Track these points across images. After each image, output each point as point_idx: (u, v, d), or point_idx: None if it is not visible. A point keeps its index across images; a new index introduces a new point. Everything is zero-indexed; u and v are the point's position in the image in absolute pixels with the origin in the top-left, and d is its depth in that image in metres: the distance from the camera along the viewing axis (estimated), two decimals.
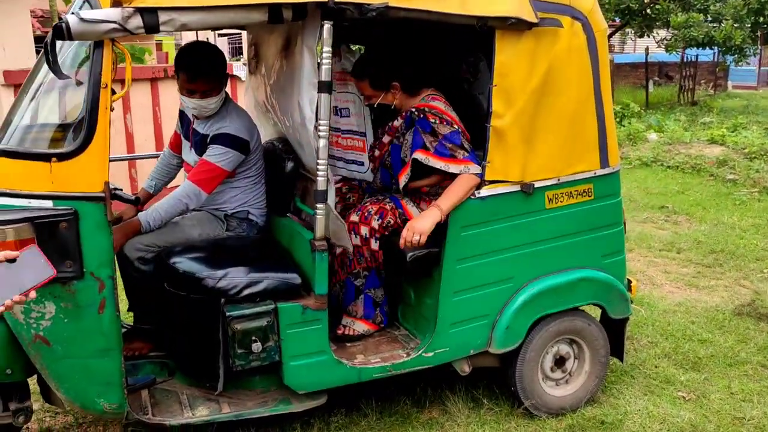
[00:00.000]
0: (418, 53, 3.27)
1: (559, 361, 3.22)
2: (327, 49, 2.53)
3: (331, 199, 2.75)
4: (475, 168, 2.83)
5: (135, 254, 2.89)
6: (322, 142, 2.60)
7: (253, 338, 2.61)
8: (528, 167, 2.90)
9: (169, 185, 3.52)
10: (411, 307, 3.18)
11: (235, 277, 2.66)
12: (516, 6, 2.68)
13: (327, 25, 2.50)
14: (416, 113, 2.94)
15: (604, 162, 3.09)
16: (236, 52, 20.06)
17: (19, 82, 6.04)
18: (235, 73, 7.61)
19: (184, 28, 2.39)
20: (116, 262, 2.95)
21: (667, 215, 7.13)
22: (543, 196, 2.98)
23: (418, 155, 2.92)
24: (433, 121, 2.89)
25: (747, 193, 7.91)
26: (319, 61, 2.57)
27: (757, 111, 15.96)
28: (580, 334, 3.19)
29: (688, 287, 5.01)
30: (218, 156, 2.97)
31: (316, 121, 2.60)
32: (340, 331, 3.05)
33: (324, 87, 2.56)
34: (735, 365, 3.73)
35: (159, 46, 15.02)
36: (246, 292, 2.65)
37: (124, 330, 3.17)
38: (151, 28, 2.33)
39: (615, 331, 3.30)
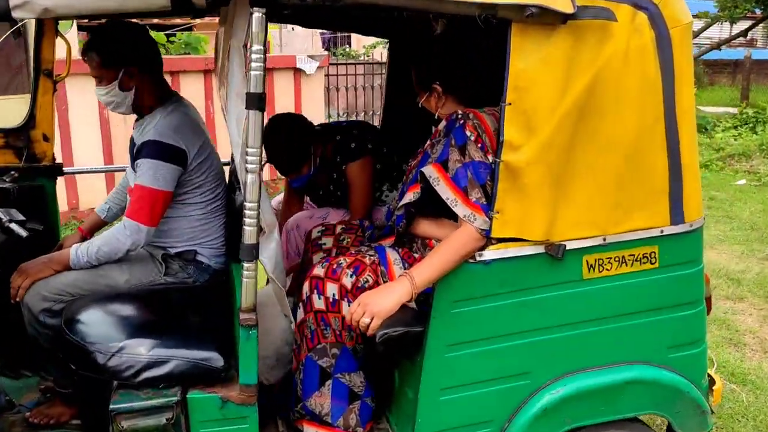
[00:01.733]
0: (480, 51, 2.35)
1: None
2: (257, 47, 1.79)
3: (270, 255, 2.00)
4: (482, 222, 1.99)
5: (40, 305, 2.27)
6: (250, 178, 1.86)
7: None
8: (557, 221, 2.02)
9: None
10: (394, 395, 2.38)
11: (132, 353, 1.98)
12: None
13: (257, 14, 1.76)
14: (460, 117, 2.11)
15: (677, 215, 2.14)
16: (336, 42, 19.41)
17: (57, 73, 5.72)
18: (298, 66, 7.02)
19: (49, 14, 1.71)
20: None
21: None
22: (580, 261, 2.10)
23: (429, 170, 2.11)
24: (470, 134, 2.05)
25: None
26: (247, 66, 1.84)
27: None
28: None
29: None
30: (146, 174, 2.31)
31: (245, 147, 1.87)
32: None
33: (254, 101, 1.82)
34: None
35: None
36: (145, 374, 1.97)
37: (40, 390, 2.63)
38: None
39: None
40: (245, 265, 1.91)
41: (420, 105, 2.31)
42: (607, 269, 2.13)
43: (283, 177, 3.12)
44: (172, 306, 2.28)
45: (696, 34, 12.71)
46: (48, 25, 2.74)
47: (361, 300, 2.01)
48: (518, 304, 2.08)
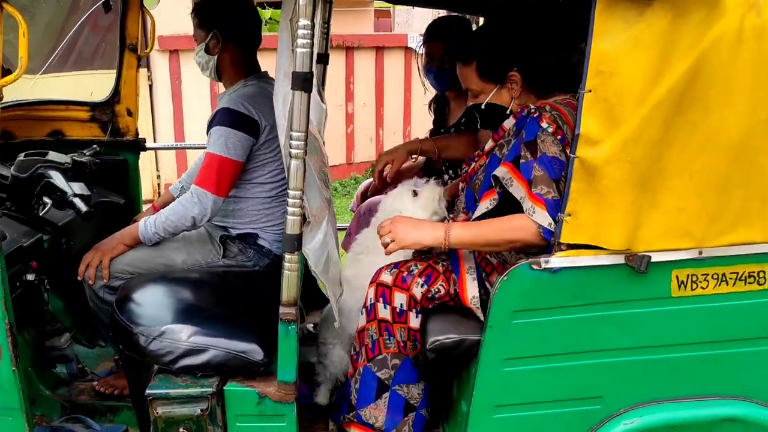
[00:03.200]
0: (557, 34, 2.16)
1: None
2: (304, 22, 1.64)
3: (314, 247, 1.87)
4: (542, 217, 1.76)
5: (100, 281, 2.27)
6: (294, 164, 1.73)
7: (182, 430, 1.87)
8: (642, 228, 1.75)
9: None
10: (451, 405, 2.19)
11: (173, 338, 1.92)
12: None
13: None
14: (533, 110, 1.90)
15: None
16: None
17: (174, 48, 5.90)
18: (410, 45, 6.85)
19: None
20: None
21: None
22: (669, 276, 1.81)
23: (501, 171, 1.91)
24: (547, 126, 1.83)
25: None
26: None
27: None
28: None
29: None
30: (217, 142, 2.26)
31: (289, 130, 1.74)
32: None
33: (299, 81, 1.68)
34: None
35: (382, 13, 14.61)
36: (184, 362, 1.91)
37: (114, 360, 2.66)
38: None
39: None
40: (286, 256, 1.79)
41: (483, 105, 2.08)
42: (702, 287, 1.83)
43: None
44: (223, 291, 2.20)
45: None
46: (133, 0, 2.74)
47: (395, 220, 1.98)
48: (591, 320, 1.82)
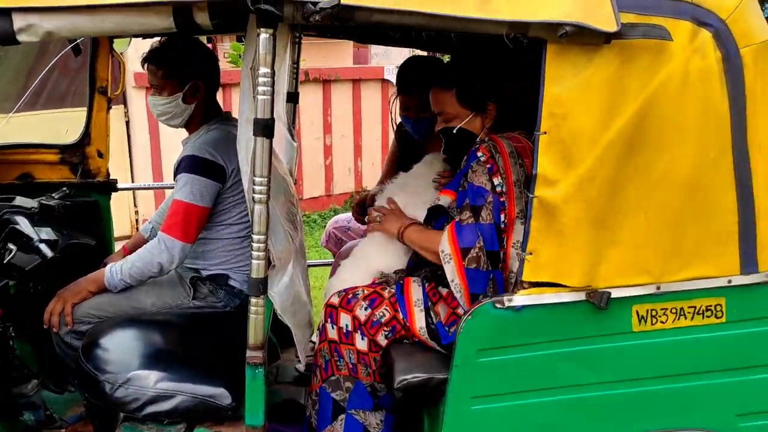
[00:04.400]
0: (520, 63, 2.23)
1: None
2: (264, 70, 1.67)
3: (279, 290, 1.88)
4: (444, 245, 1.96)
5: (65, 327, 2.25)
6: (258, 209, 1.75)
7: None
8: (601, 265, 1.79)
9: None
10: None
11: (139, 385, 1.91)
12: (577, 5, 1.59)
13: (263, 35, 1.65)
14: (477, 143, 2.05)
15: (750, 264, 1.84)
16: None
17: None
18: (386, 77, 6.93)
19: (52, 36, 1.68)
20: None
21: None
22: (629, 311, 1.85)
23: (446, 200, 2.11)
24: (481, 155, 1.96)
25: None
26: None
27: None
28: None
29: None
30: (182, 189, 2.26)
31: (252, 175, 1.76)
32: None
33: (260, 128, 1.71)
34: None
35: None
36: (150, 409, 1.90)
37: (84, 405, 2.63)
38: (5, 37, 1.65)
39: None
40: (252, 300, 1.80)
41: (455, 130, 2.13)
42: (661, 322, 1.86)
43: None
44: (191, 335, 2.19)
45: None
46: (102, 44, 2.77)
47: (393, 208, 2.31)
48: (555, 357, 1.85)
